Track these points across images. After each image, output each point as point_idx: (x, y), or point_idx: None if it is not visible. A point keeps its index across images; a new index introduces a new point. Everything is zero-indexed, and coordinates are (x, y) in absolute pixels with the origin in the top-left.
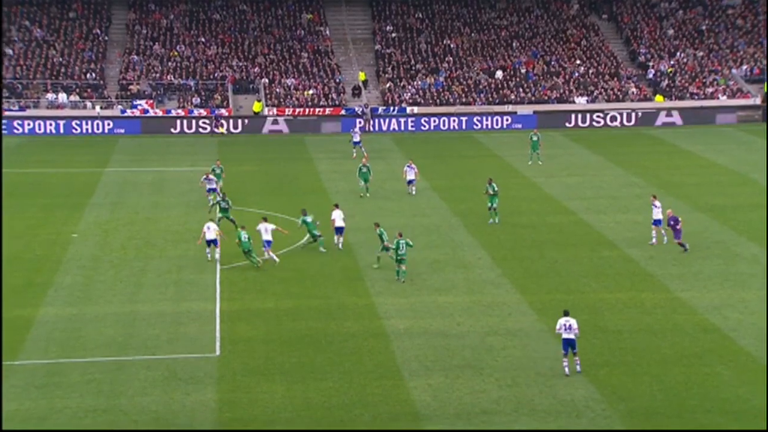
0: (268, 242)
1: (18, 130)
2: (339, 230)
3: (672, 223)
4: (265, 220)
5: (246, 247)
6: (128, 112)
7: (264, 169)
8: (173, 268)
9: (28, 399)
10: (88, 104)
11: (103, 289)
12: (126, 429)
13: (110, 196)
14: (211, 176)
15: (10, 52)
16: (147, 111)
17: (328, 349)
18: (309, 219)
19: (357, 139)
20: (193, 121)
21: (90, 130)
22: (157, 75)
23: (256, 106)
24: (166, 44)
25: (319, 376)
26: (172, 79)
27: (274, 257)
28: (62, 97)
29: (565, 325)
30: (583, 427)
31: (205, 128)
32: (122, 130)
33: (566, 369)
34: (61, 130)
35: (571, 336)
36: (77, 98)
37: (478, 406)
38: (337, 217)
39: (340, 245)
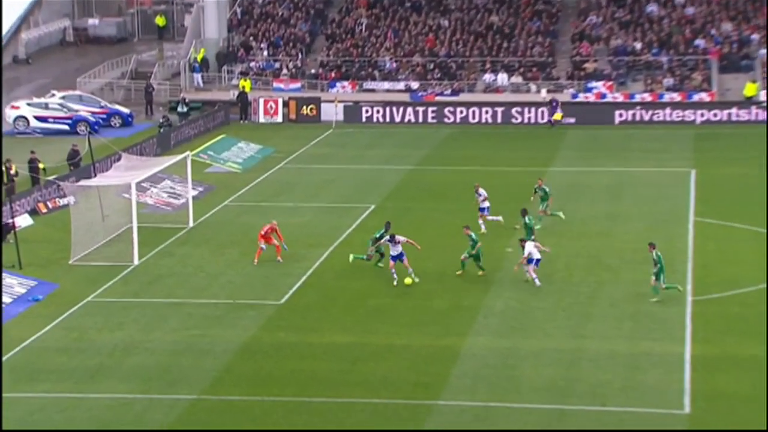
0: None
1: (449, 118)
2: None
3: None
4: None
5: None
6: (581, 97)
7: (748, 172)
8: (630, 296)
9: None
10: (533, 87)
11: (541, 318)
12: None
13: (555, 201)
14: (481, 190)
15: (445, 23)
16: (604, 96)
17: None
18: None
19: None
20: (667, 110)
21: (533, 119)
22: (618, 45)
23: (749, 89)
24: (634, 9)
25: None
26: (639, 52)
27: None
28: (502, 78)
29: None
30: None
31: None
32: (572, 120)
33: None
34: (499, 119)
35: None
36: (520, 79)
37: None
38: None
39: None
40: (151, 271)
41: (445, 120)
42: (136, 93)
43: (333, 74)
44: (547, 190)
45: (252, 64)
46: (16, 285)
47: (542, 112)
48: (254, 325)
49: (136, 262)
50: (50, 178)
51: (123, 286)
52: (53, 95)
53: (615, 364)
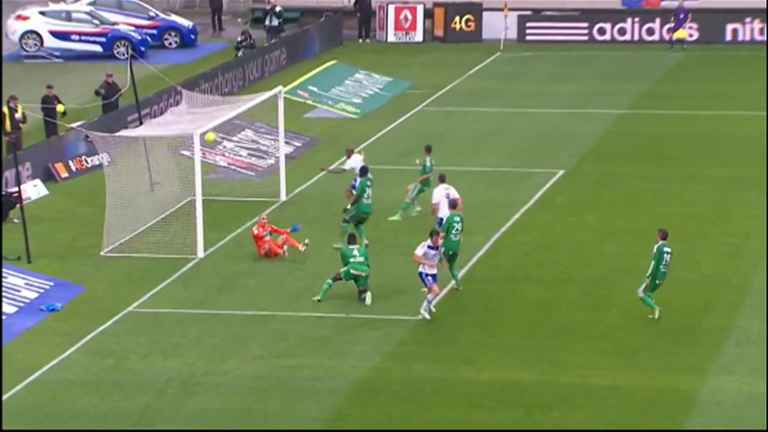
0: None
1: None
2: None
3: None
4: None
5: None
6: None
7: None
8: None
9: None
10: None
11: None
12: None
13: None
14: (356, 156)
15: None
16: None
17: None
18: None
19: None
20: None
21: None
22: None
23: None
24: None
25: None
26: None
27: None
28: None
29: None
30: None
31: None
32: None
33: None
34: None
35: None
36: None
37: None
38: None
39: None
40: (223, 269)
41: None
42: None
43: None
44: (429, 164)
45: None
46: (22, 287)
47: None
48: (377, 352)
49: (200, 254)
50: (74, 125)
51: (181, 289)
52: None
53: None
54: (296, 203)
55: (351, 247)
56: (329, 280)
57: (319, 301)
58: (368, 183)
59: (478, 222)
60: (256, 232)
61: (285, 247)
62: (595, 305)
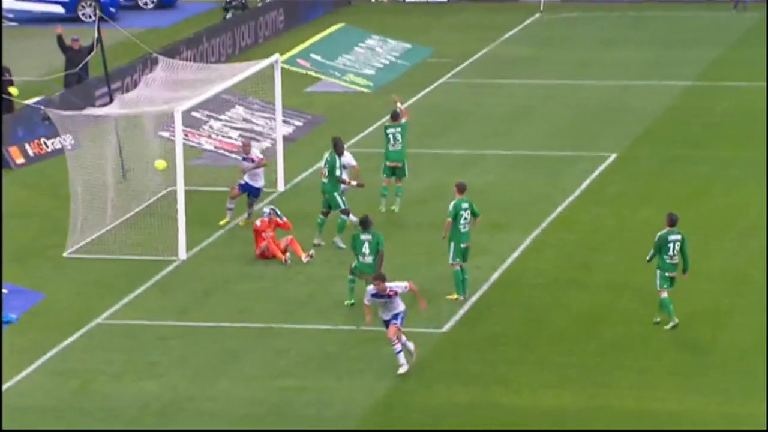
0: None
1: None
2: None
3: None
4: None
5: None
6: None
7: None
8: None
9: None
10: None
11: None
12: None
13: None
14: (255, 151)
15: None
16: None
17: None
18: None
19: None
20: None
21: None
22: None
23: None
24: None
25: None
26: None
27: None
28: None
29: None
30: None
31: None
32: None
33: None
34: None
35: None
36: None
37: None
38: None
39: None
40: (209, 272)
41: None
42: None
43: None
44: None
45: None
46: None
47: None
48: (394, 371)
49: (182, 255)
50: (30, 101)
51: (160, 297)
52: None
53: None
54: (296, 194)
55: (362, 237)
56: (349, 276)
57: (352, 304)
58: (328, 159)
59: (514, 216)
60: (258, 224)
61: (288, 254)
62: (654, 316)
